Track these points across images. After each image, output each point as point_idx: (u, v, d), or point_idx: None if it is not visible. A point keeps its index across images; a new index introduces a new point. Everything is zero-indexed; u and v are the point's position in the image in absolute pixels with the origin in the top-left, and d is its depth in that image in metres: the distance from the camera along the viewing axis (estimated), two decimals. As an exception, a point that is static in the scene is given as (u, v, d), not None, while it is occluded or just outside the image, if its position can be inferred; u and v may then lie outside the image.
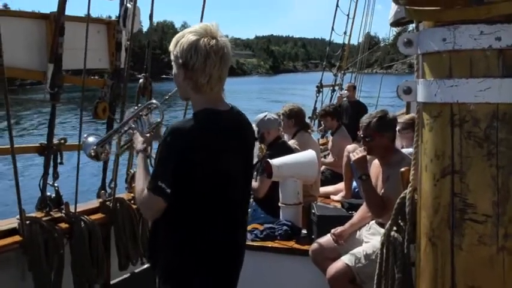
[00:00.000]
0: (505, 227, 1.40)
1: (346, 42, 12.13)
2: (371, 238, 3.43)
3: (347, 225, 3.61)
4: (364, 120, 3.53)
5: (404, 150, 3.83)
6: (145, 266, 4.36)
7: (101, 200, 4.24)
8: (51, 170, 4.00)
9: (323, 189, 5.41)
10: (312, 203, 4.23)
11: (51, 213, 3.87)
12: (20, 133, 19.06)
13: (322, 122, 7.50)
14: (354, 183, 5.26)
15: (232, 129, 2.11)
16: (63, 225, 3.80)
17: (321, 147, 7.16)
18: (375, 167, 3.54)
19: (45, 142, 3.98)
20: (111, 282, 4.16)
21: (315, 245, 3.66)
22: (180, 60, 2.02)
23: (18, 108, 25.47)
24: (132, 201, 4.24)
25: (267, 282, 3.83)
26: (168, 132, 2.01)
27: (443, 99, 1.44)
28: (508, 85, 1.37)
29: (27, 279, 3.55)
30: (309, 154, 4.40)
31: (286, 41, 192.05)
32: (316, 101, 10.31)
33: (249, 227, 4.06)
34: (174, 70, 2.09)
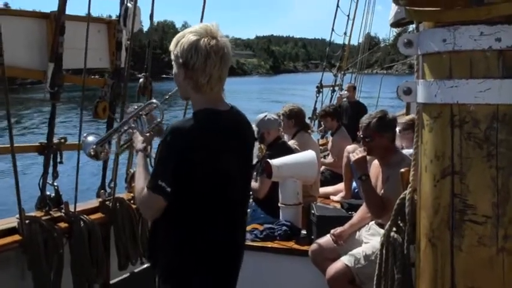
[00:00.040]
0: (505, 228, 1.40)
1: (347, 42, 12.16)
2: (370, 239, 3.43)
3: (347, 225, 3.61)
4: (364, 120, 3.53)
5: (405, 151, 3.83)
6: (145, 265, 4.36)
7: (100, 199, 4.24)
8: (51, 169, 4.00)
9: (323, 190, 5.41)
10: (312, 203, 4.23)
11: (51, 212, 3.86)
12: (20, 132, 19.07)
13: (322, 123, 7.51)
14: (354, 184, 5.26)
15: (232, 129, 2.12)
16: (63, 224, 3.80)
17: (320, 147, 7.16)
18: (375, 168, 3.54)
19: (45, 141, 3.98)
20: (111, 282, 4.16)
21: (314, 246, 3.66)
22: (181, 60, 2.02)
23: (19, 108, 25.47)
24: (131, 201, 4.24)
25: (266, 282, 3.83)
26: (168, 132, 2.02)
27: (443, 100, 1.44)
28: (508, 86, 1.37)
29: (26, 278, 3.55)
30: (309, 154, 4.41)
31: (287, 41, 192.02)
32: (316, 102, 10.33)
33: (249, 227, 4.06)
34: (175, 70, 2.10)
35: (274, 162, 4.18)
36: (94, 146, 2.55)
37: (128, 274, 4.35)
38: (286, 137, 5.29)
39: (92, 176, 6.92)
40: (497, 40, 1.37)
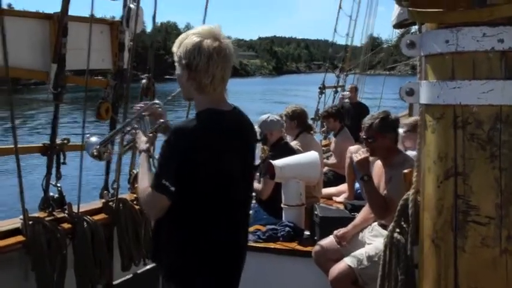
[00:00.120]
0: (508, 229, 1.40)
1: (349, 43, 12.16)
2: (373, 240, 3.43)
3: (350, 226, 3.60)
4: (367, 121, 3.52)
5: (409, 153, 3.82)
6: (148, 266, 4.37)
7: (103, 200, 4.24)
8: (54, 170, 4.01)
9: (325, 191, 5.40)
10: (315, 204, 4.23)
11: (54, 213, 3.87)
12: (25, 133, 19.09)
13: (324, 124, 7.50)
14: (357, 185, 5.26)
15: (234, 129, 2.12)
16: (66, 225, 3.80)
17: (323, 148, 7.15)
18: (377, 168, 3.54)
19: (48, 142, 3.99)
20: (114, 282, 4.16)
21: (317, 247, 3.66)
22: (184, 61, 2.04)
23: (23, 108, 25.51)
24: (134, 202, 4.24)
25: (269, 283, 3.83)
26: (171, 132, 2.03)
27: (446, 101, 1.44)
28: (510, 87, 1.37)
29: (30, 279, 3.55)
30: (312, 155, 4.40)
31: (289, 42, 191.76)
32: (318, 102, 10.33)
33: (252, 228, 4.06)
34: (178, 71, 2.11)
35: (277, 163, 4.17)
36: (97, 147, 2.55)
37: (131, 275, 4.35)
38: (288, 138, 5.29)
39: (95, 177, 6.93)
40: (499, 41, 1.37)
